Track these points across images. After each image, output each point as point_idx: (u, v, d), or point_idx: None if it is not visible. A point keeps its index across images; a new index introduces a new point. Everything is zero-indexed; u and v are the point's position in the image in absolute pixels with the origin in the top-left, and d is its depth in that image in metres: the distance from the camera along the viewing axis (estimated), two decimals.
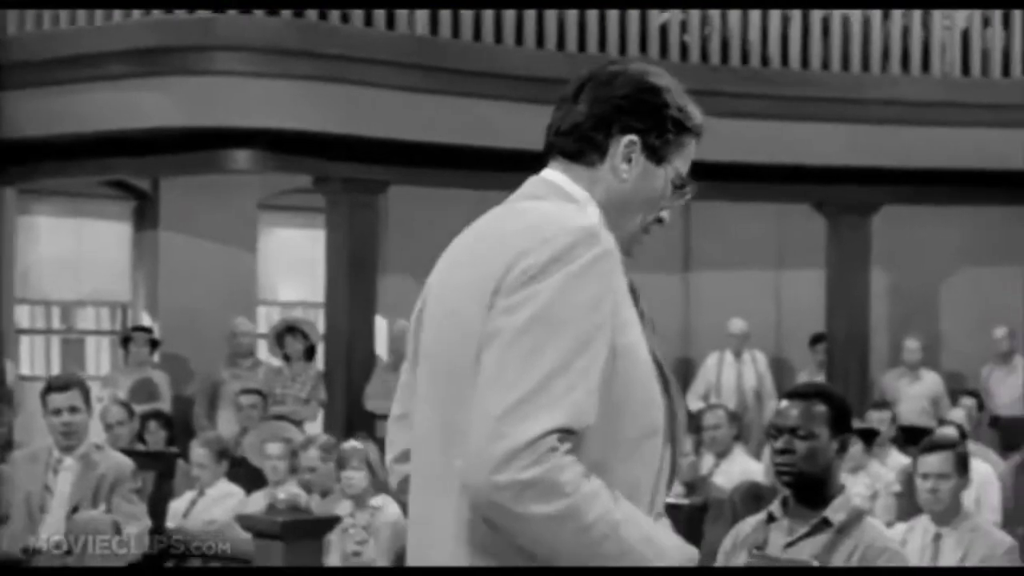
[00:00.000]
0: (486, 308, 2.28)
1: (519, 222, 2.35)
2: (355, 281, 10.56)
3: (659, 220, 2.52)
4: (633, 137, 2.44)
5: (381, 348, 11.34)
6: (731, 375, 11.85)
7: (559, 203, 2.40)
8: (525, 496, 2.17)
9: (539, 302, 2.24)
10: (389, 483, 2.67)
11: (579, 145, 2.45)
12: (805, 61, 11.26)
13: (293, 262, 12.40)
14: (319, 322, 11.28)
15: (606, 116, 2.45)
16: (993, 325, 11.93)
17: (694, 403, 11.72)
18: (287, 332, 10.69)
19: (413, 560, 2.43)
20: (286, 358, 10.65)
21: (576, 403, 2.21)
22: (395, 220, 11.89)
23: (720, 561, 4.13)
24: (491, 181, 11.14)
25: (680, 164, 2.50)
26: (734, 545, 4.11)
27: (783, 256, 13.33)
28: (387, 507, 7.37)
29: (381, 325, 11.29)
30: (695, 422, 8.38)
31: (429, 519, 2.39)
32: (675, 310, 13.30)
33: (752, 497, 7.91)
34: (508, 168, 10.72)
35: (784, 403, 4.08)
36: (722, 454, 8.75)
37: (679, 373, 12.61)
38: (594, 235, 2.29)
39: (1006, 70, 11.51)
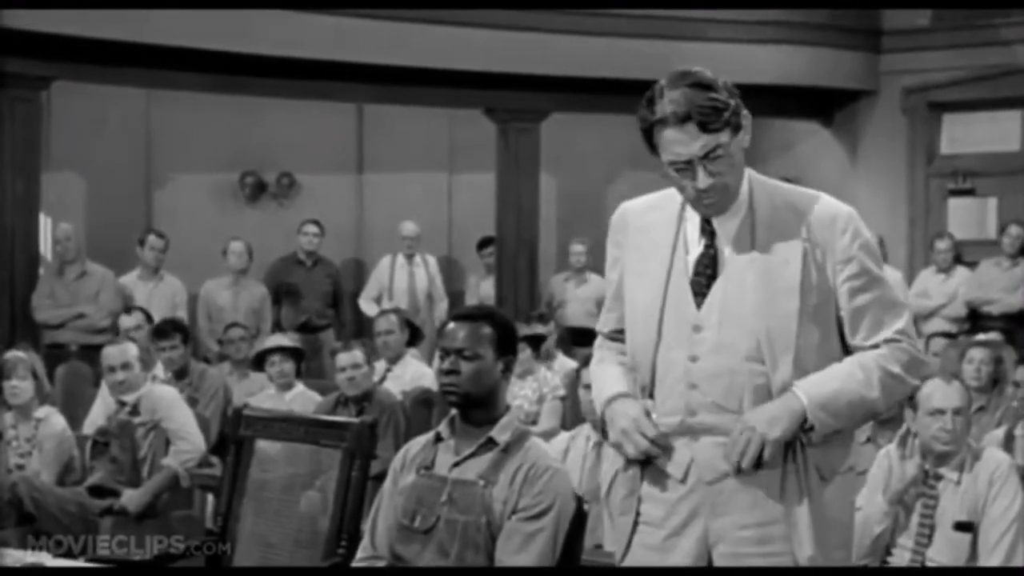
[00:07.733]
0: None
1: None
2: (18, 179, 10.22)
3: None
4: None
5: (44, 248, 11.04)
6: (403, 277, 11.93)
7: None
8: None
9: None
10: None
11: None
12: None
13: None
14: None
15: None
16: None
17: (367, 306, 11.80)
18: None
19: None
20: None
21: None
22: (57, 117, 11.53)
23: (389, 480, 4.19)
24: (151, 80, 10.89)
25: (663, 154, 3.26)
26: (403, 465, 4.17)
27: (454, 160, 13.44)
28: (51, 418, 7.20)
29: (45, 224, 10.98)
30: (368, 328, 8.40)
31: None
32: (348, 212, 13.29)
33: (422, 403, 8.06)
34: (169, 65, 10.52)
35: (451, 324, 4.11)
36: (394, 359, 8.84)
37: (352, 274, 12.69)
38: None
39: None
